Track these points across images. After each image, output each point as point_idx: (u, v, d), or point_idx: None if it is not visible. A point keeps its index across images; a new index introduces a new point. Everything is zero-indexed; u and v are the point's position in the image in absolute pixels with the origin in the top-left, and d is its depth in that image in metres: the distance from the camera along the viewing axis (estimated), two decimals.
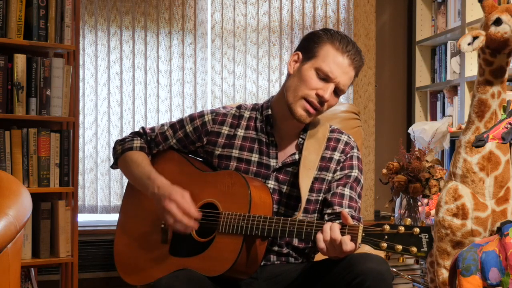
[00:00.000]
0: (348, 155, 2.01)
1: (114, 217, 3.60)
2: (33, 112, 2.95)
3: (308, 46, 1.93)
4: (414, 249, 1.59)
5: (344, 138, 2.04)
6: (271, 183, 1.97)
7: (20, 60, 2.92)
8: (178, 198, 1.84)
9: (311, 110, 1.89)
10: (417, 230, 1.60)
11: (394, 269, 3.31)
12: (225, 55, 3.90)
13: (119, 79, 3.70)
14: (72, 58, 3.10)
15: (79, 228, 3.10)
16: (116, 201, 3.66)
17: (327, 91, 1.87)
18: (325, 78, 1.88)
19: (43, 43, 2.97)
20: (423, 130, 3.83)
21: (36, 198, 2.89)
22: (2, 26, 2.89)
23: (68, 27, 3.03)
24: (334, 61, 1.87)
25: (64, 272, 3.10)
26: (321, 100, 1.88)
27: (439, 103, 4.15)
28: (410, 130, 4.00)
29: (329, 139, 2.01)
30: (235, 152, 1.99)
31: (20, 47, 2.97)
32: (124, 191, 2.24)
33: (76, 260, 3.05)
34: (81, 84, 3.54)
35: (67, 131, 3.06)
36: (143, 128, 2.13)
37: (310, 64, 1.89)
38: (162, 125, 2.11)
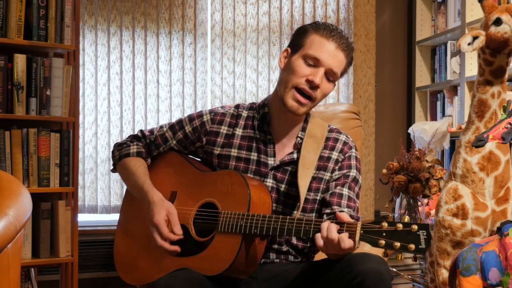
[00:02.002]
0: (347, 155, 2.01)
1: (114, 217, 3.60)
2: (33, 112, 2.95)
3: (296, 40, 1.96)
4: (412, 246, 1.59)
5: (342, 137, 2.04)
6: (269, 182, 1.97)
7: (20, 60, 2.92)
8: (159, 222, 1.86)
9: (302, 99, 1.89)
10: (415, 227, 1.60)
11: (394, 269, 3.31)
12: (225, 55, 3.90)
13: (119, 79, 3.69)
14: (72, 58, 3.10)
15: (79, 228, 3.10)
16: (116, 201, 3.66)
17: (317, 75, 1.88)
18: (314, 64, 1.89)
19: (43, 43, 2.97)
20: (423, 130, 3.83)
21: (36, 198, 2.89)
22: (2, 26, 2.89)
23: (68, 27, 3.03)
24: (320, 46, 1.89)
25: (64, 272, 3.10)
26: (312, 85, 1.88)
27: (439, 103, 4.15)
28: (410, 130, 4.00)
29: (327, 139, 2.02)
30: (234, 152, 2.00)
31: (20, 47, 2.97)
32: (124, 191, 2.24)
33: (76, 260, 3.05)
34: (81, 84, 3.54)
35: (67, 131, 3.06)
36: (141, 131, 2.13)
37: (298, 54, 1.92)
38: (161, 126, 2.11)
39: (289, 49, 1.96)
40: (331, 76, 1.91)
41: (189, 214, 1.92)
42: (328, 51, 1.89)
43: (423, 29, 4.26)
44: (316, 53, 1.88)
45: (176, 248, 1.86)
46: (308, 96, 1.89)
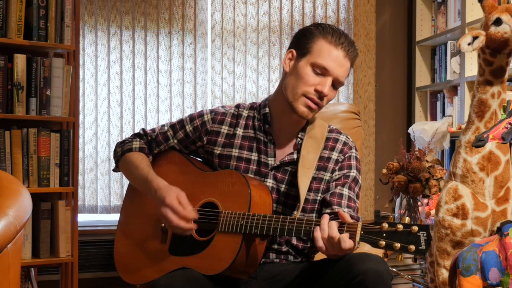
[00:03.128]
0: (347, 155, 2.01)
1: (114, 217, 3.61)
2: (33, 112, 2.95)
3: (301, 43, 1.93)
4: (413, 247, 1.59)
5: (342, 138, 2.04)
6: (269, 182, 1.97)
7: (20, 60, 2.92)
8: (172, 202, 1.85)
9: (313, 105, 1.89)
10: (415, 228, 1.60)
11: (394, 269, 3.31)
12: (225, 55, 3.90)
13: (119, 79, 3.70)
14: (72, 58, 3.10)
15: (79, 228, 3.10)
16: (116, 201, 3.66)
17: (325, 86, 1.87)
18: (322, 73, 1.88)
19: (43, 43, 2.97)
20: (423, 130, 3.83)
21: (36, 198, 2.89)
22: (2, 26, 2.89)
23: (68, 27, 3.03)
24: (329, 55, 1.88)
25: (64, 272, 3.10)
26: (321, 95, 1.88)
27: (439, 103, 4.15)
28: (410, 130, 4.00)
29: (327, 139, 2.02)
30: (235, 152, 2.00)
31: (20, 47, 2.97)
32: (124, 191, 2.24)
33: (76, 260, 3.05)
34: (81, 84, 3.54)
35: (67, 131, 3.06)
36: (143, 129, 2.14)
37: (305, 60, 1.90)
38: (163, 125, 2.12)
39: (294, 51, 1.94)
40: (337, 84, 1.92)
41: None
42: (337, 61, 1.88)
43: (423, 29, 4.26)
44: (325, 62, 1.87)
45: (193, 225, 1.86)
46: (316, 103, 1.90)
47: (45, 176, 2.98)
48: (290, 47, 1.97)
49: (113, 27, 3.69)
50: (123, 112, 3.70)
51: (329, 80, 1.88)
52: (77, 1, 3.07)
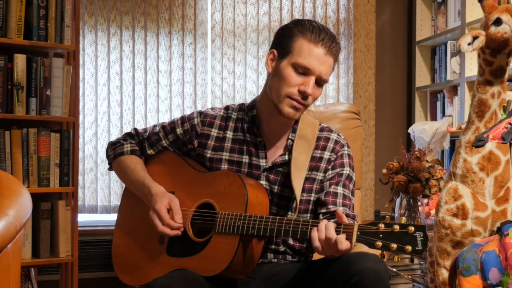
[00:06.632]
0: (339, 154, 2.00)
1: (114, 217, 3.57)
2: (33, 112, 2.95)
3: (282, 42, 1.91)
4: (409, 247, 1.59)
5: (333, 136, 2.03)
6: (262, 183, 1.97)
7: (20, 60, 2.92)
8: (160, 208, 1.87)
9: (298, 105, 1.88)
10: (412, 228, 1.59)
11: (394, 269, 3.31)
12: (225, 55, 3.90)
13: (119, 79, 3.70)
14: (72, 58, 3.10)
15: (79, 228, 3.10)
16: (116, 201, 3.66)
17: (308, 85, 1.85)
18: (304, 72, 1.86)
19: (43, 43, 2.97)
20: (423, 130, 3.83)
21: (36, 198, 2.89)
22: (2, 26, 2.89)
23: (68, 27, 3.03)
24: (309, 53, 1.85)
25: (64, 272, 3.10)
26: (304, 95, 1.87)
27: (439, 103, 4.15)
28: (410, 130, 4.00)
29: (318, 138, 2.01)
30: (225, 155, 1.99)
31: (20, 47, 2.97)
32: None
33: (76, 260, 3.05)
34: (81, 84, 3.54)
35: (67, 131, 3.06)
36: (135, 129, 2.13)
37: (287, 60, 1.87)
38: (154, 126, 2.11)
39: (275, 52, 1.92)
40: (321, 81, 1.89)
41: (186, 214, 1.92)
42: (318, 59, 1.85)
43: (423, 29, 4.26)
44: (306, 61, 1.84)
45: (177, 232, 1.87)
46: (300, 103, 1.88)
47: (45, 176, 2.99)
48: (271, 47, 1.94)
49: (113, 27, 3.69)
50: (123, 112, 3.70)
51: (312, 79, 1.86)
52: (77, 1, 3.07)
